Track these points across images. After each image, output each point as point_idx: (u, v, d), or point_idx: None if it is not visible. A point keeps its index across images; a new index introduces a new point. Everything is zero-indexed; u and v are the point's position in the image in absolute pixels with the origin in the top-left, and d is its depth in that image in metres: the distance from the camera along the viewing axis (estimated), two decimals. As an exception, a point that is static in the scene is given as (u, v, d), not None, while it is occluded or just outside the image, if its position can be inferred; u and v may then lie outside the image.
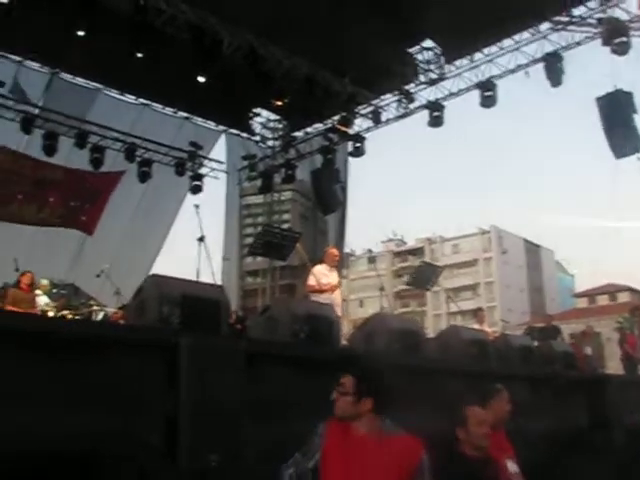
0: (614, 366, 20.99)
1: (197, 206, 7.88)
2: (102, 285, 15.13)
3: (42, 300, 12.36)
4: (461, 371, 6.68)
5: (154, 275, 5.39)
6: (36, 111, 18.40)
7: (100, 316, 13.75)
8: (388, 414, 3.63)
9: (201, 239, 7.37)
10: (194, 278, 7.55)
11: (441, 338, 7.81)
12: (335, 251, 10.84)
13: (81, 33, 13.94)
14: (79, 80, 18.89)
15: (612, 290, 60.87)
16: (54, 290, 14.21)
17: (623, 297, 57.63)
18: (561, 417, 8.28)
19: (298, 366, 5.34)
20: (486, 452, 4.61)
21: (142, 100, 20.22)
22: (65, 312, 12.87)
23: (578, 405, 8.81)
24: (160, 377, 4.36)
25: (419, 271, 11.25)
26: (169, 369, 4.34)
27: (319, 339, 5.96)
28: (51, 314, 11.84)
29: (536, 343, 9.81)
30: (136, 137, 20.31)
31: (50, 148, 18.22)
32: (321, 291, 10.18)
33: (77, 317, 13.04)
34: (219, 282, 20.50)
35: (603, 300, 60.86)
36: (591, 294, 63.20)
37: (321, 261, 10.80)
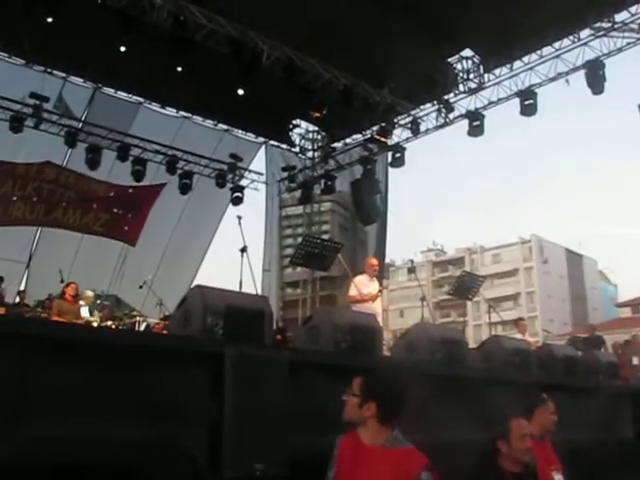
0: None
1: (240, 217, 7.95)
2: (145, 296, 15.33)
3: (85, 311, 12.53)
4: (504, 381, 6.64)
5: (198, 286, 5.45)
6: (79, 125, 18.76)
7: (143, 327, 13.88)
8: (400, 425, 3.50)
9: (243, 250, 7.42)
10: (237, 289, 7.60)
11: (483, 348, 7.76)
12: (375, 261, 10.86)
13: (123, 48, 14.17)
14: (121, 94, 19.23)
15: (656, 299, 59.76)
16: (98, 301, 14.40)
17: (668, 306, 56.56)
18: (606, 428, 8.18)
19: (340, 376, 5.34)
20: (527, 467, 4.51)
21: (183, 113, 20.47)
22: (109, 323, 13.04)
23: (624, 416, 8.69)
24: (205, 387, 4.41)
25: (461, 281, 11.19)
26: (214, 379, 4.39)
27: (361, 349, 5.97)
28: (95, 325, 11.98)
29: (580, 353, 9.67)
30: (177, 149, 20.56)
31: (93, 161, 18.51)
32: (363, 301, 10.20)
33: (121, 328, 13.18)
34: (260, 293, 20.83)
35: (647, 310, 59.78)
36: (635, 304, 62.04)
37: (362, 272, 10.83)
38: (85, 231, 19.79)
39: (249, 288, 7.91)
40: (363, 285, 10.31)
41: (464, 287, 11.04)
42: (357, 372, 5.76)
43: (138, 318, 13.97)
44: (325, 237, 49.79)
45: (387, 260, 41.74)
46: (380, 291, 10.70)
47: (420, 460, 3.28)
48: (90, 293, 13.38)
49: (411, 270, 49.31)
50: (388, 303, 64.99)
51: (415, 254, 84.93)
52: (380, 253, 21.14)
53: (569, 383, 7.97)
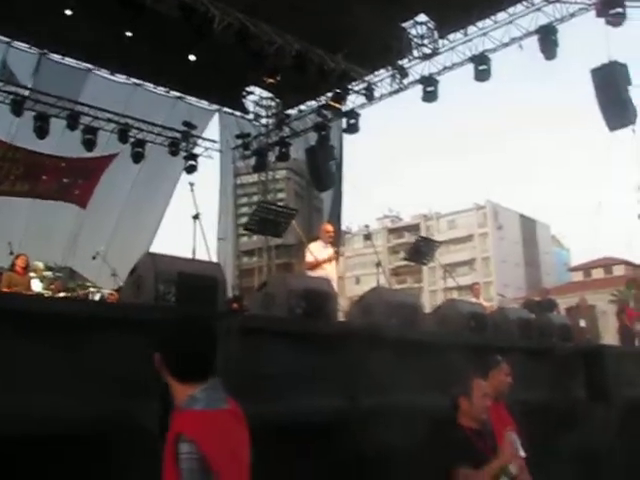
0: (609, 339, 21.08)
1: (192, 184, 7.80)
2: (99, 267, 15.10)
3: (37, 283, 12.31)
4: (460, 344, 6.65)
5: (149, 253, 5.36)
6: (26, 93, 18.20)
7: (97, 298, 13.71)
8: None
9: (196, 217, 7.28)
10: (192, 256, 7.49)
11: (439, 312, 7.80)
12: (330, 227, 10.80)
13: (69, 12, 13.79)
14: (69, 61, 18.71)
15: (608, 263, 60.95)
16: (49, 273, 14.14)
17: (618, 270, 57.67)
18: (560, 389, 8.30)
19: (295, 341, 5.32)
20: (484, 424, 4.66)
21: (134, 80, 20.06)
22: (61, 295, 12.82)
23: (576, 377, 8.81)
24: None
25: (416, 246, 11.21)
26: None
27: (316, 314, 5.94)
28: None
29: (533, 316, 9.78)
30: (129, 117, 20.18)
31: (41, 130, 18.03)
32: (318, 265, 10.17)
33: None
34: (215, 262, 20.63)
35: (599, 274, 60.94)
36: (586, 268, 63.28)
37: (316, 238, 10.78)
38: (35, 196, 19.38)
39: (203, 256, 7.82)
40: (318, 251, 10.25)
41: (420, 252, 11.05)
42: (312, 337, 5.75)
43: (91, 289, 13.81)
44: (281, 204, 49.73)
45: (343, 227, 41.83)
46: (336, 256, 10.66)
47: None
48: (41, 265, 13.14)
49: (367, 237, 49.41)
50: (344, 270, 65.33)
51: (371, 221, 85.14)
52: (335, 219, 21.14)
53: (524, 345, 8.06)
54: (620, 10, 14.70)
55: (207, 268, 5.57)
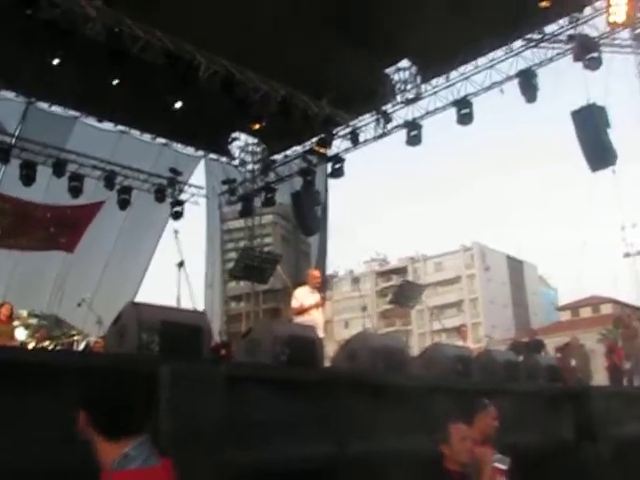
0: (599, 378, 21.04)
1: (176, 231, 7.85)
2: (85, 315, 15.02)
3: (21, 332, 12.22)
4: (446, 388, 6.65)
5: (133, 302, 5.36)
6: (13, 141, 18.26)
7: (82, 346, 13.61)
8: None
9: (181, 264, 7.31)
10: (176, 304, 7.49)
11: (425, 355, 7.80)
12: (316, 273, 10.85)
13: (56, 61, 13.90)
14: (56, 109, 18.80)
15: (595, 302, 61.13)
16: (33, 321, 14.05)
17: (606, 309, 57.83)
18: (548, 431, 8.28)
19: (280, 388, 5.31)
20: (468, 467, 4.67)
21: (120, 127, 20.16)
22: (46, 343, 12.73)
23: (564, 418, 8.80)
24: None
25: (402, 289, 11.27)
26: (149, 397, 4.28)
27: (301, 360, 5.93)
28: (31, 345, 11.69)
29: (521, 358, 9.79)
30: (115, 164, 20.22)
31: (28, 178, 18.04)
32: (305, 311, 10.17)
33: (58, 348, 12.91)
34: (201, 308, 20.61)
35: (586, 312, 61.11)
36: (574, 307, 63.44)
37: (303, 283, 10.80)
38: (21, 248, 19.29)
39: (189, 303, 7.82)
40: (304, 296, 10.29)
41: (405, 295, 11.09)
42: (298, 384, 5.74)
43: (76, 337, 13.69)
44: (267, 249, 49.74)
45: (330, 271, 41.85)
46: (322, 302, 10.67)
47: None
48: (25, 313, 13.07)
49: (355, 280, 49.48)
50: (332, 314, 65.13)
51: (358, 264, 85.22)
52: (322, 264, 21.17)
53: (510, 387, 8.04)
54: (595, 55, 15.04)
55: (191, 317, 5.57)
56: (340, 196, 24.24)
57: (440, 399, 6.27)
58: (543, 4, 14.71)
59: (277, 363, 5.75)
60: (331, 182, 21.28)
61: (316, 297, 10.50)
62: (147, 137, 21.04)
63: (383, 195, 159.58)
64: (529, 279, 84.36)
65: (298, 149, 21.73)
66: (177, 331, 5.13)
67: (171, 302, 7.40)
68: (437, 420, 5.17)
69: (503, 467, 5.06)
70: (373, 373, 6.24)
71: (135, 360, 4.69)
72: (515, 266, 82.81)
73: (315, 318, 10.15)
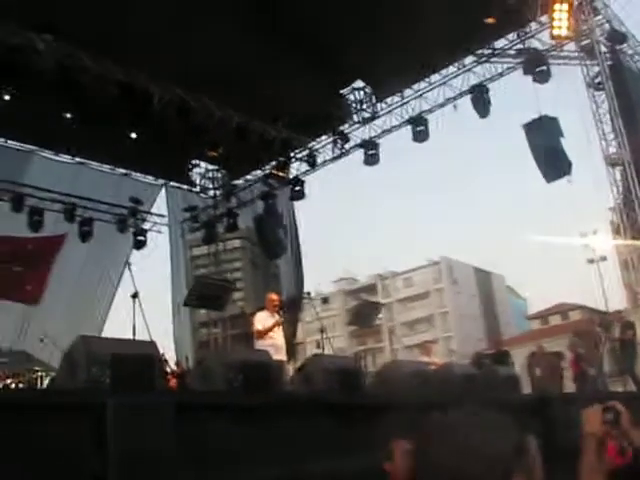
0: (570, 385, 21.19)
1: (129, 263, 7.86)
2: (50, 350, 14.89)
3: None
4: (401, 404, 6.71)
5: (82, 336, 5.38)
6: (-32, 178, 18.11)
7: (46, 382, 13.48)
8: None
9: (135, 295, 7.31)
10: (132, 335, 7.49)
11: (381, 374, 7.87)
12: (274, 296, 10.91)
13: (7, 97, 13.87)
14: (11, 143, 18.68)
15: (564, 309, 61.69)
16: (-5, 359, 13.93)
17: (575, 315, 58.35)
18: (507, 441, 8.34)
19: (233, 414, 5.34)
20: None
21: (78, 159, 20.07)
22: (9, 381, 12.59)
23: (524, 428, 8.88)
24: (89, 439, 4.33)
25: (358, 310, 11.37)
26: (98, 430, 4.31)
27: (256, 386, 5.97)
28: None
29: (479, 370, 9.90)
30: (75, 196, 20.11)
31: (-15, 214, 17.92)
32: (266, 334, 10.23)
33: (21, 384, 12.79)
34: (172, 336, 20.61)
35: (556, 320, 61.58)
36: (543, 315, 63.95)
37: (262, 308, 10.86)
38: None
39: (149, 332, 7.81)
40: (264, 321, 10.35)
41: (362, 316, 11.19)
42: (250, 409, 5.78)
43: (40, 373, 13.55)
44: (238, 274, 49.55)
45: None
46: (281, 321, 10.68)
47: None
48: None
49: (324, 301, 49.55)
50: (305, 335, 64.97)
51: (327, 284, 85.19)
52: (298, 286, 21.18)
53: (466, 400, 8.12)
54: (544, 68, 15.35)
55: (142, 347, 5.60)
56: (306, 217, 24.30)
57: (393, 416, 6.33)
58: (489, 20, 15.00)
59: (231, 390, 5.79)
60: (299, 203, 21.33)
61: (276, 320, 10.56)
62: (106, 168, 20.98)
63: (347, 214, 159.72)
64: (498, 290, 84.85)
65: (259, 173, 21.81)
66: (128, 363, 5.15)
67: (141, 333, 7.41)
68: (387, 438, 5.23)
69: None
70: (328, 394, 6.30)
71: (84, 394, 4.72)
72: (483, 278, 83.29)
73: (276, 341, 10.22)
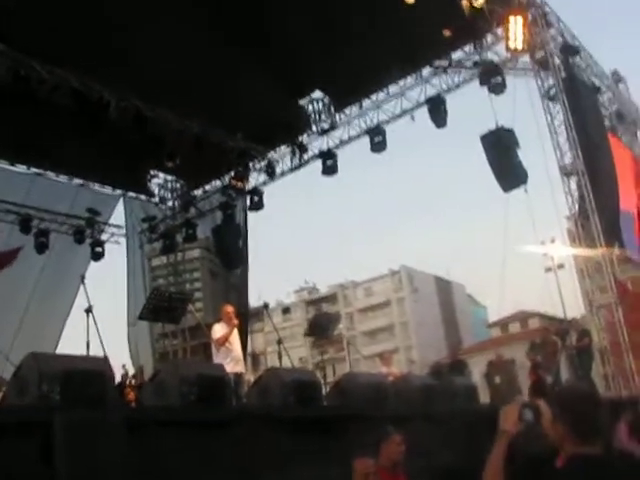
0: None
1: (83, 277, 7.74)
2: (2, 366, 14.57)
3: None
4: (359, 416, 6.71)
5: (33, 353, 5.26)
6: None
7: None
8: None
9: (89, 310, 7.19)
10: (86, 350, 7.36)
11: (338, 385, 7.83)
12: (229, 308, 10.85)
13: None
14: (-39, 154, 18.34)
15: (522, 317, 62.36)
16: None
17: (534, 323, 59.02)
18: (465, 452, 8.37)
19: (188, 429, 5.28)
20: None
21: (34, 169, 19.75)
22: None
23: (482, 439, 8.91)
24: (37, 457, 4.24)
25: (315, 321, 11.37)
26: (46, 448, 4.22)
27: (211, 399, 5.90)
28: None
29: (437, 381, 9.93)
30: (30, 207, 19.80)
31: None
32: (226, 340, 10.20)
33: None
34: (128, 348, 20.32)
35: (515, 328, 62.25)
36: (503, 323, 64.55)
37: (219, 320, 10.80)
38: None
39: (104, 347, 7.68)
40: (221, 332, 10.30)
41: (320, 326, 11.15)
42: (205, 424, 5.70)
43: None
44: (197, 284, 49.25)
45: (261, 302, 41.63)
46: (237, 323, 10.62)
47: None
48: None
49: (285, 311, 49.55)
50: (265, 345, 64.77)
51: (288, 294, 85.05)
52: (245, 296, 21.16)
53: (425, 411, 8.14)
54: (500, 80, 15.55)
55: (94, 363, 5.51)
56: (265, 227, 24.29)
57: (351, 429, 6.32)
58: (446, 33, 15.18)
59: (185, 404, 5.72)
60: (258, 213, 21.22)
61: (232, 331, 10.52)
62: (63, 178, 20.66)
63: (308, 224, 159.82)
64: (458, 298, 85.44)
65: (218, 183, 21.73)
66: (79, 379, 5.06)
67: (96, 348, 7.26)
68: (346, 451, 5.22)
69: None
70: (284, 408, 6.26)
71: (31, 411, 4.62)
72: (443, 286, 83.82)
73: (235, 352, 10.23)
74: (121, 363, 16.73)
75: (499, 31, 15.89)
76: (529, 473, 3.04)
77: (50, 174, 20.26)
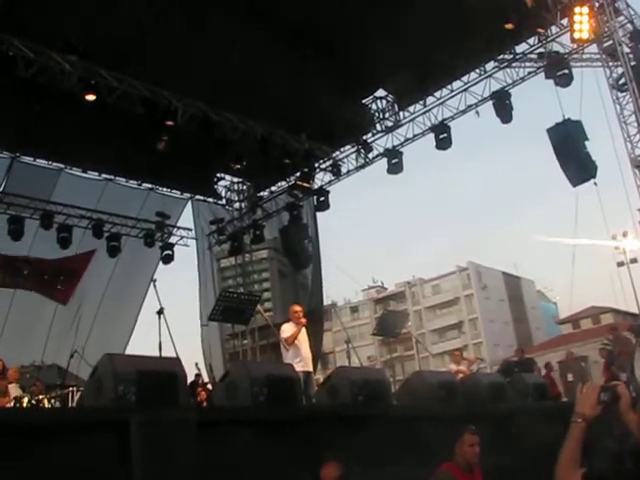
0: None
1: (154, 280, 7.92)
2: (78, 365, 15.00)
3: (16, 388, 12.21)
4: (429, 416, 6.70)
5: (108, 354, 5.43)
6: (-2, 196, 18.38)
7: (77, 397, 13.55)
8: None
9: (160, 312, 7.36)
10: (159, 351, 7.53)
11: (407, 385, 7.83)
12: (297, 307, 10.87)
13: (36, 116, 14.13)
14: (40, 162, 18.92)
15: (595, 313, 60.89)
16: (27, 375, 14.04)
17: (606, 319, 57.58)
18: (539, 449, 8.28)
19: (259, 429, 5.36)
20: None
21: (105, 175, 20.26)
22: (41, 397, 12.66)
23: (556, 435, 8.79)
24: (114, 455, 4.38)
25: (382, 320, 11.34)
26: (122, 447, 4.36)
27: (281, 399, 5.98)
28: (26, 401, 11.65)
29: (506, 379, 9.81)
30: (102, 212, 20.34)
31: (16, 232, 18.10)
32: (295, 338, 10.25)
33: (53, 400, 12.91)
34: (201, 349, 20.67)
35: (587, 324, 60.83)
36: (574, 319, 63.14)
37: (288, 320, 10.87)
38: (15, 287, 19.26)
39: (175, 348, 7.86)
40: (290, 332, 10.38)
41: (388, 325, 11.12)
42: (277, 423, 5.79)
43: (72, 389, 13.63)
44: (266, 285, 49.62)
45: (328, 302, 41.72)
46: (304, 322, 10.65)
47: None
48: (14, 368, 13.06)
49: (353, 309, 49.55)
50: (334, 345, 64.87)
51: (357, 293, 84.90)
52: (318, 296, 21.23)
53: (494, 410, 8.07)
54: (566, 71, 15.23)
55: (167, 364, 5.64)
56: (333, 226, 24.38)
57: (422, 427, 6.32)
58: (508, 26, 14.95)
59: (256, 404, 5.81)
60: (324, 213, 21.25)
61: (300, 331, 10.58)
62: (133, 183, 21.13)
63: (374, 223, 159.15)
64: (528, 294, 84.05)
65: (283, 184, 21.88)
66: (153, 380, 5.20)
67: (167, 348, 7.43)
68: (420, 449, 5.22)
69: None
70: (353, 407, 6.30)
71: (109, 411, 4.77)
72: (512, 282, 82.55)
73: (303, 352, 10.28)
74: (193, 362, 17.13)
75: (564, 21, 15.55)
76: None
77: (120, 180, 20.76)
